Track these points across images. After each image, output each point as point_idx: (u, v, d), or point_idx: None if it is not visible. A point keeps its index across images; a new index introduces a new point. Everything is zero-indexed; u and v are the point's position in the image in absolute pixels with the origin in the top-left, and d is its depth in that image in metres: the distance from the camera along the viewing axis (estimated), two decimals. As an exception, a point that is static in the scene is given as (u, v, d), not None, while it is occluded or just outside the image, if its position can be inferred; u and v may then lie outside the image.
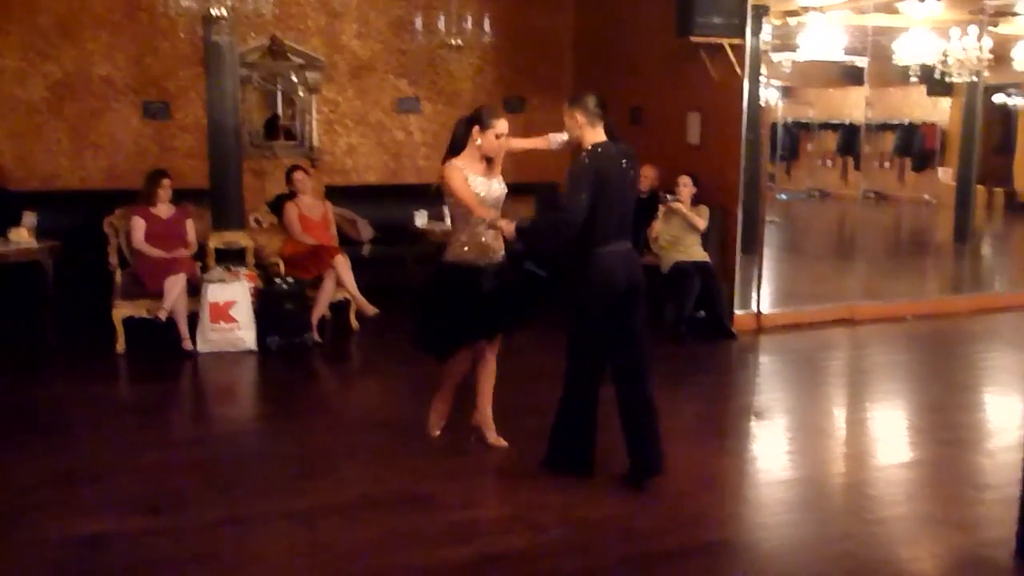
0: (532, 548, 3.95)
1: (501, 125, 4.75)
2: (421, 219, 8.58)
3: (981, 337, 8.20)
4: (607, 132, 4.46)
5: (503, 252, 4.92)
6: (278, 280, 7.27)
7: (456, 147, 4.81)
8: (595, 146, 4.37)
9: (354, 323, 7.68)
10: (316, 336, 7.25)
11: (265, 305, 7.08)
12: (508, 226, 4.52)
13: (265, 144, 9.40)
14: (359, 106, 9.84)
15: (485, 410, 5.14)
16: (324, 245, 7.69)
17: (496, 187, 4.85)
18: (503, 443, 5.07)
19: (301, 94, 9.51)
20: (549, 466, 4.66)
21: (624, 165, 4.42)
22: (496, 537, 4.03)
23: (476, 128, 4.75)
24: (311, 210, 7.88)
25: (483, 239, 4.80)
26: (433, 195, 5.81)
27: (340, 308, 7.71)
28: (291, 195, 7.88)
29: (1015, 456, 3.96)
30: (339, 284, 7.51)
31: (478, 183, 4.73)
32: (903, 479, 4.91)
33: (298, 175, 7.88)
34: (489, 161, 4.84)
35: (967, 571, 3.87)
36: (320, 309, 7.41)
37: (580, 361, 4.56)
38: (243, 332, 6.94)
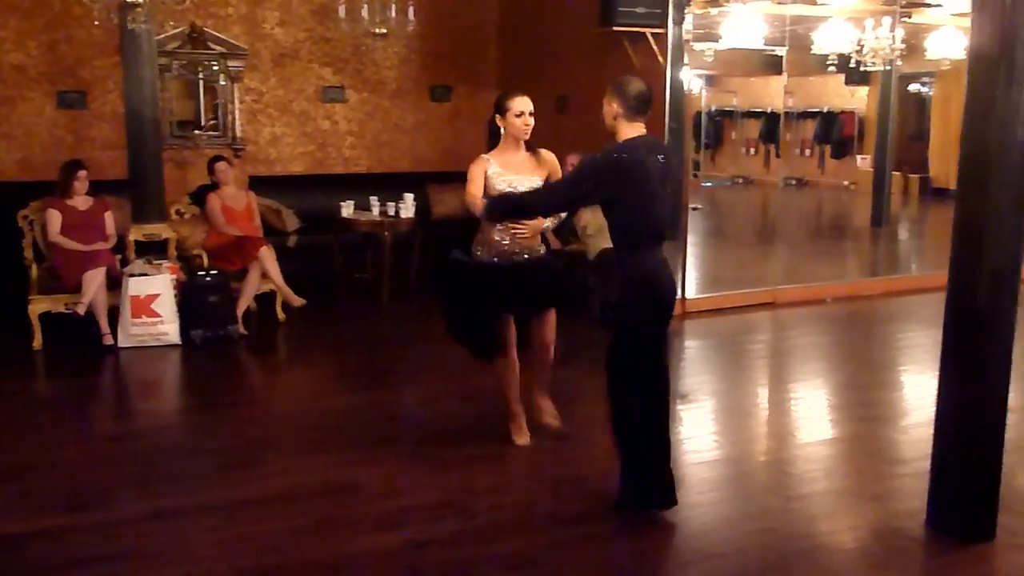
0: (461, 533, 3.97)
1: (517, 104, 4.56)
2: (347, 209, 8.52)
3: (897, 318, 8.46)
4: None
5: (535, 247, 4.77)
6: (201, 272, 7.15)
7: (492, 142, 4.69)
8: (627, 142, 3.97)
9: (280, 314, 7.59)
10: (241, 328, 7.15)
11: (188, 298, 6.96)
12: (480, 202, 4.44)
13: (186, 134, 9.22)
14: (283, 95, 9.72)
15: (540, 402, 4.98)
16: (248, 236, 7.58)
17: (528, 183, 4.59)
18: (557, 424, 4.96)
19: (223, 83, 9.35)
20: (625, 508, 4.13)
21: (660, 161, 4.00)
22: (425, 524, 4.03)
23: (497, 116, 4.61)
24: (234, 201, 7.76)
25: (495, 236, 4.66)
26: None
27: (266, 299, 7.62)
28: (214, 186, 7.75)
29: (928, 431, 4.09)
30: (264, 275, 7.42)
31: (502, 180, 4.57)
32: (822, 456, 5.05)
33: (220, 165, 7.75)
34: (534, 152, 4.71)
35: (882, 542, 4.00)
36: (245, 301, 7.31)
37: (632, 381, 4.05)
38: (166, 326, 6.81)
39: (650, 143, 4.05)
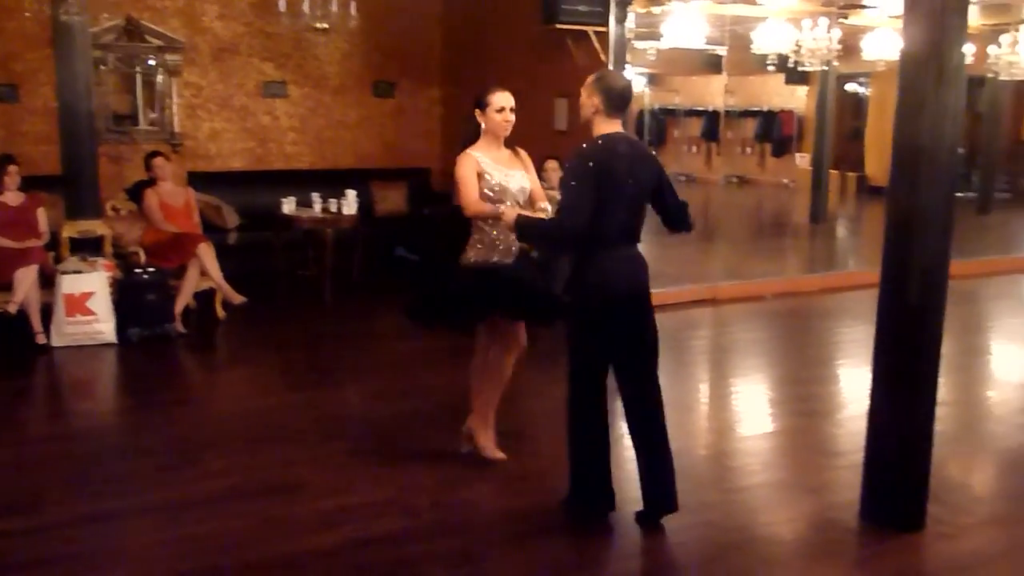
0: (405, 532, 3.96)
1: (498, 99, 4.39)
2: (289, 205, 8.43)
3: (834, 313, 8.63)
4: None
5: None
6: (138, 270, 7.02)
7: (470, 138, 4.47)
8: (600, 138, 3.87)
9: (220, 312, 7.49)
10: (180, 327, 7.04)
11: (124, 296, 6.83)
12: (510, 212, 4.11)
13: (122, 128, 9.05)
14: (222, 90, 9.59)
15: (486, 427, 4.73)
16: (187, 233, 7.46)
17: (518, 178, 4.45)
18: (499, 455, 4.66)
19: (160, 77, 9.19)
20: (569, 508, 4.09)
21: (633, 162, 3.87)
22: (368, 522, 4.01)
23: (477, 112, 4.43)
24: (172, 197, 7.64)
25: (495, 235, 4.42)
26: None
27: (206, 297, 7.52)
28: (151, 182, 7.61)
29: (863, 424, 4.18)
30: (204, 273, 7.32)
31: (496, 174, 4.38)
32: (761, 449, 5.14)
33: (158, 161, 7.61)
34: (513, 150, 4.53)
35: (817, 533, 4.09)
36: (184, 299, 7.20)
37: (579, 380, 4.04)
38: (101, 324, 6.68)
39: (631, 142, 3.96)
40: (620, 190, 3.80)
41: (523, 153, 4.61)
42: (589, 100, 3.90)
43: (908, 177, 3.90)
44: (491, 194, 4.37)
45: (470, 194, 4.33)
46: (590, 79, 3.95)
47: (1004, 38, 12.81)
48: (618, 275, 3.91)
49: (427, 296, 4.69)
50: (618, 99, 3.88)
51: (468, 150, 4.44)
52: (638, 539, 3.98)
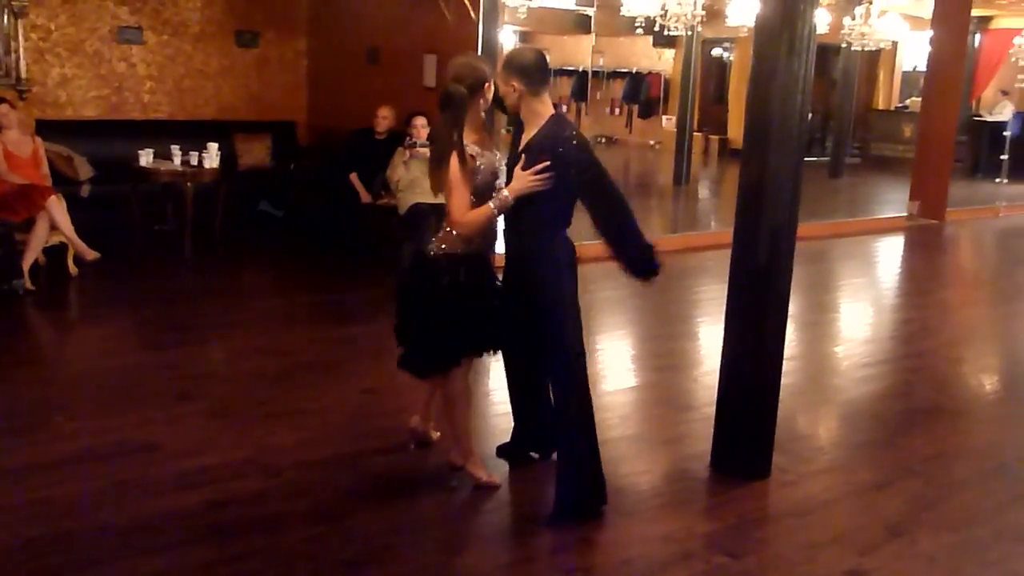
0: (264, 491, 3.92)
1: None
2: (146, 157, 8.10)
3: (693, 272, 8.91)
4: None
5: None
6: (-19, 223, 6.64)
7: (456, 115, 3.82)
8: (562, 120, 3.76)
9: (72, 268, 7.17)
10: (28, 283, 6.70)
11: (-34, 250, 6.47)
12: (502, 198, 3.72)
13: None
14: (73, 34, 9.09)
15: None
16: (34, 185, 7.09)
17: (487, 157, 3.86)
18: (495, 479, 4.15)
19: (5, 19, 8.64)
20: (567, 514, 3.78)
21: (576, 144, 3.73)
22: (227, 483, 3.95)
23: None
24: (18, 147, 7.24)
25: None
26: None
27: (57, 253, 7.18)
28: (-6, 130, 7.19)
29: (716, 379, 4.37)
30: (53, 227, 6.97)
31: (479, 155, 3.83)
32: (619, 404, 5.28)
33: (3, 108, 7.19)
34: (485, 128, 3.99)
35: (671, 483, 4.26)
36: (32, 254, 6.85)
37: (578, 354, 3.85)
38: (-59, 280, 6.32)
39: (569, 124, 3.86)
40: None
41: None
42: (508, 87, 3.72)
43: (759, 142, 4.06)
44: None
45: (461, 206, 3.77)
46: (499, 67, 3.80)
47: (858, 9, 13.38)
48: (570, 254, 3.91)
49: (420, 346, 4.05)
50: (538, 73, 3.72)
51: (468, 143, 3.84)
52: (494, 493, 4.05)
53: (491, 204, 3.73)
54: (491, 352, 4.14)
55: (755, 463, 4.28)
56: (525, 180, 3.66)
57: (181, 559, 3.37)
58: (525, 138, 3.79)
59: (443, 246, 3.87)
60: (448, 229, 3.86)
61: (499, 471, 4.18)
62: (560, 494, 3.80)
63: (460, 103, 3.72)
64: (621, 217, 3.91)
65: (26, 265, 6.76)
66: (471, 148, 3.77)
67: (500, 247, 4.09)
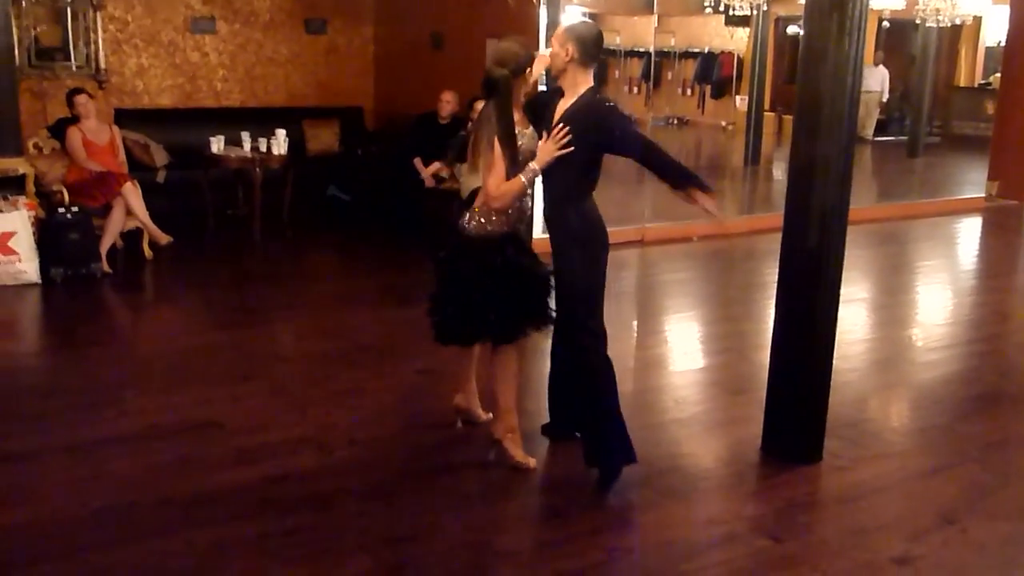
0: (319, 468, 4.05)
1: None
2: (217, 144, 8.33)
3: (759, 254, 8.79)
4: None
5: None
6: (62, 209, 6.92)
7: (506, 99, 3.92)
8: (595, 91, 3.83)
9: (147, 252, 7.44)
10: (105, 266, 6.98)
11: (47, 235, 6.75)
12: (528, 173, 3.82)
13: (44, 64, 8.83)
14: (149, 25, 9.39)
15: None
16: (111, 172, 7.37)
17: (525, 137, 3.93)
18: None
19: (84, 12, 8.95)
20: (612, 479, 3.95)
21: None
22: (283, 459, 4.09)
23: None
24: (96, 135, 7.52)
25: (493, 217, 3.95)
26: None
27: (133, 237, 7.45)
28: (74, 119, 7.48)
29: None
30: (130, 212, 7.24)
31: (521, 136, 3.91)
32: (677, 385, 5.32)
33: (80, 99, 7.47)
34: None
35: (721, 466, 4.27)
36: (109, 238, 7.13)
37: (595, 326, 3.93)
38: (24, 264, 6.60)
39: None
40: None
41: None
42: (562, 49, 3.77)
43: (809, 125, 4.02)
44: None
45: (497, 180, 3.81)
46: (561, 29, 3.85)
47: (933, -16, 13.00)
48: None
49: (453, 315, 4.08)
50: (593, 48, 3.80)
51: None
52: (548, 472, 4.11)
53: (521, 176, 3.80)
54: (543, 327, 4.14)
55: (806, 447, 4.25)
56: (549, 150, 3.75)
57: (237, 531, 3.51)
58: (563, 103, 3.85)
59: (482, 223, 3.93)
60: (483, 209, 3.92)
61: (540, 450, 4.23)
62: (600, 464, 3.94)
63: (506, 87, 3.79)
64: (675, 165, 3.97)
65: (104, 249, 7.04)
66: (516, 130, 3.82)
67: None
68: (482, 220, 3.93)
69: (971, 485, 4.14)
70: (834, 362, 4.27)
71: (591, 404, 3.99)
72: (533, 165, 3.80)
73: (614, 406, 3.99)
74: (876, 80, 16.38)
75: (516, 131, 3.84)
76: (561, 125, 3.76)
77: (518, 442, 4.12)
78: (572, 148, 3.72)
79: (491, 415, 4.34)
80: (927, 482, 4.17)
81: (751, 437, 4.43)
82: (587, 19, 14.37)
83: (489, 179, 3.82)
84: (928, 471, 4.28)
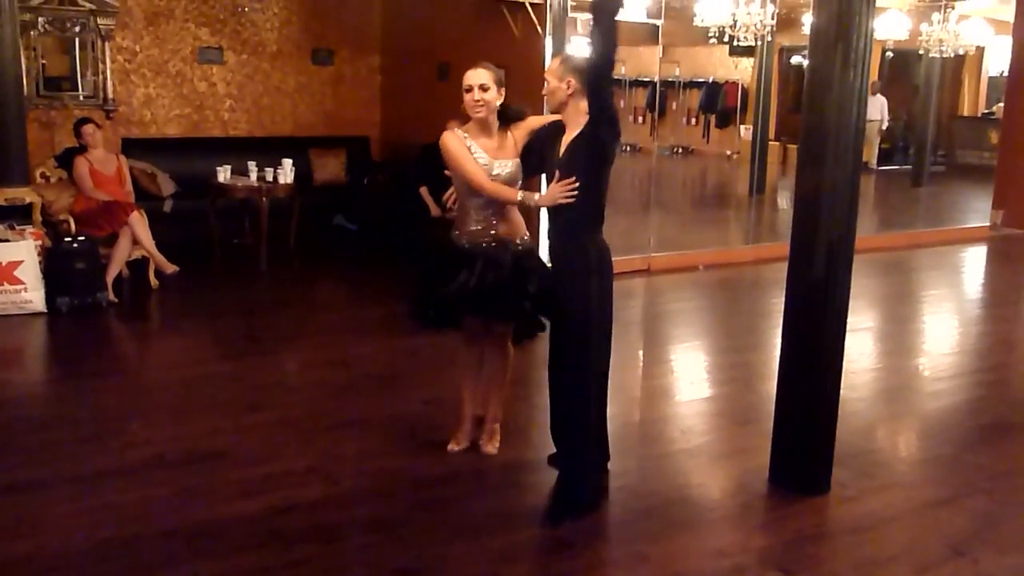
0: (325, 499, 4.03)
1: (467, 78, 3.97)
2: (224, 174, 8.37)
3: (763, 284, 8.80)
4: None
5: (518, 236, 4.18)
6: (68, 238, 6.95)
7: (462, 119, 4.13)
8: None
9: (153, 281, 7.46)
10: (111, 296, 7.00)
11: (54, 264, 6.77)
12: (529, 197, 3.94)
13: (52, 94, 8.90)
14: (157, 55, 9.46)
15: (487, 408, 4.53)
16: (118, 201, 7.40)
17: (508, 166, 4.04)
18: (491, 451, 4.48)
19: (93, 42, 9.03)
20: (574, 512, 3.92)
21: None
22: (289, 490, 4.07)
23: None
24: (103, 165, 7.56)
25: (474, 222, 4.09)
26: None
27: (139, 266, 7.47)
28: (81, 149, 7.53)
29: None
30: (136, 242, 7.27)
31: (484, 159, 4.00)
32: (683, 415, 5.29)
33: (87, 128, 7.53)
34: (501, 135, 4.09)
35: (728, 497, 4.25)
36: (115, 268, 7.16)
37: (591, 361, 3.97)
38: (30, 293, 6.62)
39: None
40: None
41: (514, 134, 4.12)
42: (561, 83, 3.78)
43: (815, 155, 4.03)
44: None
45: (478, 171, 3.94)
46: (555, 63, 3.89)
47: (934, 16, 13.07)
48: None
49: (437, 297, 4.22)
50: None
51: (456, 128, 4.06)
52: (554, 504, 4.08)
53: (519, 193, 3.96)
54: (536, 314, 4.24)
55: (814, 478, 4.23)
56: (554, 194, 3.84)
57: (242, 563, 3.49)
58: (567, 138, 3.90)
59: (487, 231, 4.09)
60: (484, 218, 4.07)
61: (547, 480, 4.20)
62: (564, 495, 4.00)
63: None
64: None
65: (109, 278, 7.06)
66: (465, 133, 4.02)
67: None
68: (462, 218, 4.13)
69: (980, 516, 4.11)
70: (841, 391, 4.26)
71: (569, 426, 4.04)
72: (536, 198, 3.96)
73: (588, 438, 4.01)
74: (875, 109, 16.45)
75: (474, 148, 3.99)
76: (572, 179, 3.79)
77: (497, 432, 4.46)
78: (573, 199, 3.79)
79: (495, 451, 4.51)
80: (936, 513, 4.14)
81: (758, 468, 4.40)
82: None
83: (468, 173, 3.95)
84: (937, 501, 4.25)
